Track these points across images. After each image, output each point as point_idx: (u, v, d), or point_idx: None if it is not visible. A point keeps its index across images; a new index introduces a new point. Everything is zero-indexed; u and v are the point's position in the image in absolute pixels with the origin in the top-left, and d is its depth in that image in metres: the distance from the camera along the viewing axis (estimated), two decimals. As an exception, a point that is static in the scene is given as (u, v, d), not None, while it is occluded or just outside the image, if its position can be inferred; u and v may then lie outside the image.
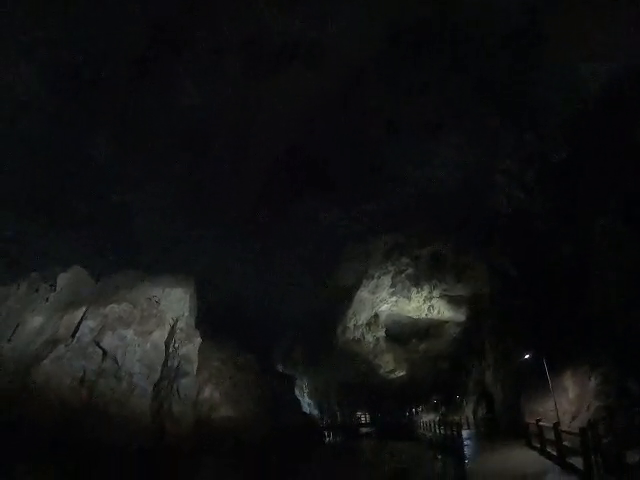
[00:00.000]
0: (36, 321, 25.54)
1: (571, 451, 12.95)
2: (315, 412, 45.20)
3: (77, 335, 24.06)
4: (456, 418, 35.44)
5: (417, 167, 30.72)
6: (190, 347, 26.09)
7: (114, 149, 30.30)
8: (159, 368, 24.51)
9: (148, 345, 24.34)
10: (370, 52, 25.19)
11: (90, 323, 24.26)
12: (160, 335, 25.08)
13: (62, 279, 27.50)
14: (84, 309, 25.12)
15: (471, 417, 34.40)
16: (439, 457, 21.30)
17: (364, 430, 44.14)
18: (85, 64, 25.87)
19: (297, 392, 44.08)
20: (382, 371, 47.48)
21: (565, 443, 13.76)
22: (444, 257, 41.00)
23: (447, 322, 46.44)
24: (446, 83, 25.17)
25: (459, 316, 43.89)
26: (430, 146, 28.83)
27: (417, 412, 45.38)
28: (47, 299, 26.81)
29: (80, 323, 24.42)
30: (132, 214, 33.04)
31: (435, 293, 44.08)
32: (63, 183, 30.53)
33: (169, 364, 25.08)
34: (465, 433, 28.45)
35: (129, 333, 24.13)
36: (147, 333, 24.56)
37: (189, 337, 26.48)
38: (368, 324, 47.66)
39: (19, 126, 27.55)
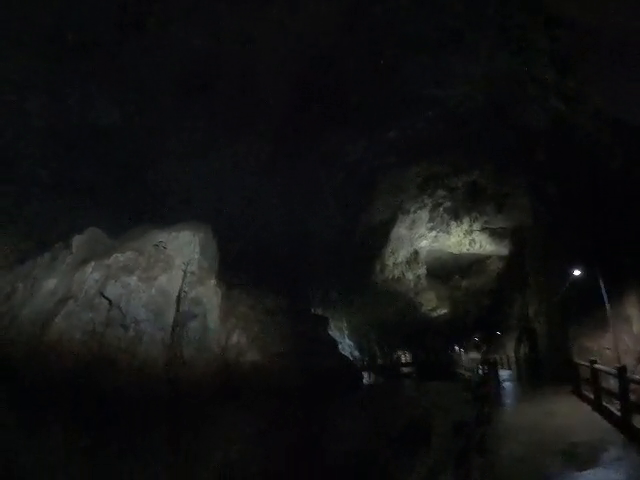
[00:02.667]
0: (51, 283, 23.46)
1: (637, 408, 8.93)
2: (356, 353, 42.39)
3: (84, 289, 21.75)
4: (496, 357, 31.63)
5: (438, 85, 25.89)
6: (201, 290, 23.30)
7: (120, 111, 27.71)
8: (167, 313, 21.94)
9: (153, 290, 21.73)
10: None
11: (95, 275, 21.85)
12: (167, 279, 22.37)
13: (77, 241, 25.12)
14: (93, 264, 22.69)
15: (512, 356, 30.16)
16: (469, 402, 17.55)
17: (405, 370, 41.17)
18: (69, 29, 22.97)
19: (337, 334, 41.29)
20: (424, 309, 43.88)
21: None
22: (482, 186, 36.20)
23: (489, 257, 42.05)
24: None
25: (502, 249, 39.34)
26: (451, 59, 23.82)
27: (459, 351, 41.76)
28: (64, 262, 24.65)
29: (87, 277, 22.08)
30: (147, 170, 30.35)
31: (475, 226, 39.60)
32: (77, 154, 28.23)
33: (180, 309, 22.46)
34: (506, 374, 24.70)
35: (133, 280, 21.58)
36: (152, 278, 21.92)
37: (201, 280, 23.65)
38: (408, 262, 43.81)
39: (25, 107, 25.35)
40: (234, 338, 27.70)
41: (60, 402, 18.73)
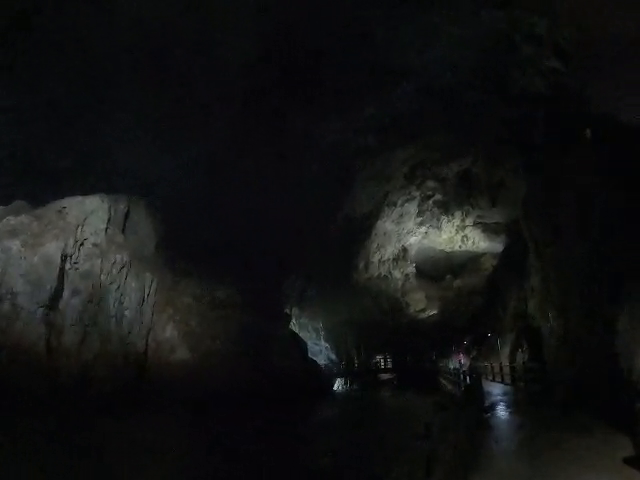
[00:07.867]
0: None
1: None
2: (332, 356, 36.13)
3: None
4: (483, 365, 24.94)
5: (419, 51, 19.63)
6: (97, 263, 17.55)
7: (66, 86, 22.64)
8: (49, 287, 16.26)
9: (36, 258, 16.02)
10: None
11: (-18, 240, 16.41)
12: (56, 248, 16.64)
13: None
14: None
15: (506, 364, 22.50)
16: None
17: (384, 377, 34.72)
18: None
19: (313, 335, 35.15)
20: (411, 310, 37.49)
21: None
22: (475, 176, 30.18)
23: (484, 254, 35.67)
24: None
25: (496, 246, 33.01)
26: (427, 19, 17.83)
27: (448, 356, 34.97)
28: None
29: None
30: (106, 156, 25.17)
31: (468, 221, 33.50)
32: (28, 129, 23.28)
33: (65, 284, 16.77)
34: (496, 390, 18.02)
35: (15, 244, 15.99)
36: (38, 245, 16.32)
37: (104, 253, 17.92)
38: (395, 259, 37.69)
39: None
40: (167, 332, 22.09)
41: None
